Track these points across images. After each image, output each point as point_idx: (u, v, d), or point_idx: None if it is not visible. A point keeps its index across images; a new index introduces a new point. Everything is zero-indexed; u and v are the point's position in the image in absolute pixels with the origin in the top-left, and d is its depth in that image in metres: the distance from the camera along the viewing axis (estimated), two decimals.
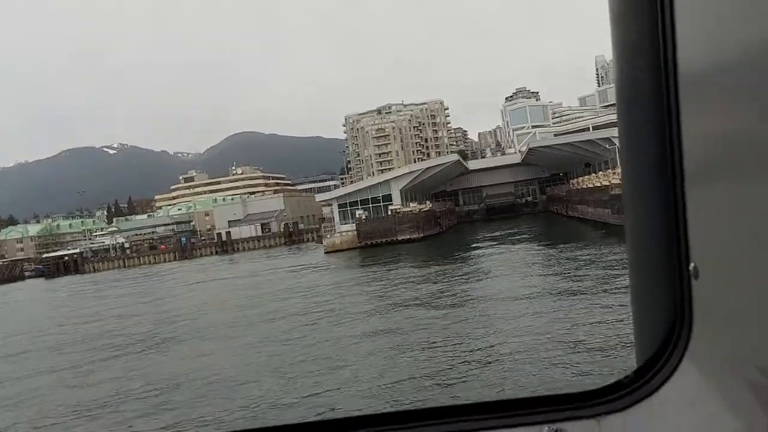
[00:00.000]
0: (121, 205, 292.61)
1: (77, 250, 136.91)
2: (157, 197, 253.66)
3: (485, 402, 1.58)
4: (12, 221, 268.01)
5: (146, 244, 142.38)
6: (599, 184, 54.55)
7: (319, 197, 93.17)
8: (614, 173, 51.60)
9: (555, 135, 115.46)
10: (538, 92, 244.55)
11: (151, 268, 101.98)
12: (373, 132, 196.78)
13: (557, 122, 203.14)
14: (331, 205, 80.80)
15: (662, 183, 1.34)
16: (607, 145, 62.99)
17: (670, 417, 1.43)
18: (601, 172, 59.63)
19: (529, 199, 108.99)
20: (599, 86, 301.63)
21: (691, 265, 1.30)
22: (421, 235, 69.51)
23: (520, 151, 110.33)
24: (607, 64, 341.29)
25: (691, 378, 1.40)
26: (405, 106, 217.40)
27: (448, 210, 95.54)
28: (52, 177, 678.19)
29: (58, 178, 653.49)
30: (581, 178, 70.50)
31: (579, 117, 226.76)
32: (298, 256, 76.54)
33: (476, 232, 72.99)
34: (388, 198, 76.58)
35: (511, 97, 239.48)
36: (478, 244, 55.66)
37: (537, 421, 1.48)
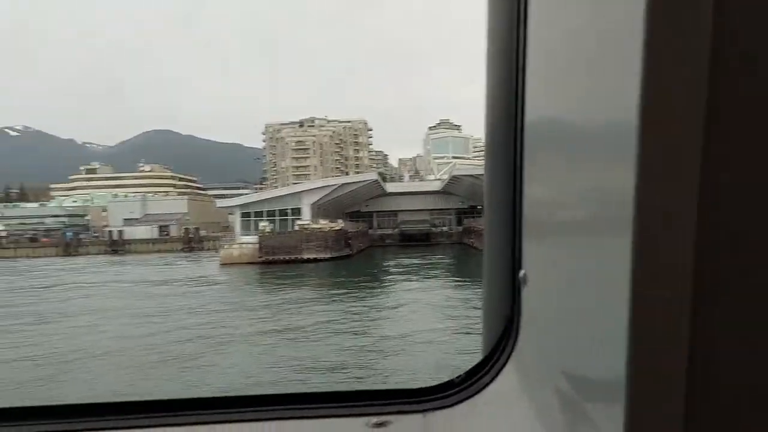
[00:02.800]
0: (10, 191, 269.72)
1: None
2: (52, 186, 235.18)
3: (316, 393, 1.68)
4: None
5: (27, 235, 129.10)
6: None
7: (221, 203, 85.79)
8: None
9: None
10: (460, 126, 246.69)
11: (18, 263, 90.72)
12: (293, 144, 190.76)
13: (477, 155, 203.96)
14: (234, 213, 73.95)
15: (507, 201, 1.50)
16: None
17: (490, 416, 1.54)
18: None
19: (445, 229, 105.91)
20: None
21: (521, 272, 1.43)
22: (329, 255, 64.02)
23: (440, 179, 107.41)
24: None
25: (512, 380, 1.51)
26: (329, 121, 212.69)
27: (361, 232, 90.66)
28: None
29: None
30: None
31: None
32: (182, 267, 69.11)
33: (388, 259, 68.28)
34: (297, 212, 70.64)
35: (434, 126, 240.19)
36: (390, 276, 50.68)
37: (365, 412, 1.57)
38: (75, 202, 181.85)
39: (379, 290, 41.90)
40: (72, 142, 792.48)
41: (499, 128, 1.54)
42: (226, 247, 69.13)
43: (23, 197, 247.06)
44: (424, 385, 1.61)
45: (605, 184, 0.95)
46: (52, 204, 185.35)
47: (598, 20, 0.98)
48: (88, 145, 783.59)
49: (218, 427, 1.57)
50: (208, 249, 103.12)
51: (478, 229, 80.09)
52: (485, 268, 1.69)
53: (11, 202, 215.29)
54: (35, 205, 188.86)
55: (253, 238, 67.11)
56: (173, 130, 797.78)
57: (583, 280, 1.07)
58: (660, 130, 0.78)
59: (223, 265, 64.12)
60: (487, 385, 1.56)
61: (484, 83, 1.59)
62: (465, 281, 42.51)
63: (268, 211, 70.65)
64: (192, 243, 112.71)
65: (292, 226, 68.85)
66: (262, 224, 68.19)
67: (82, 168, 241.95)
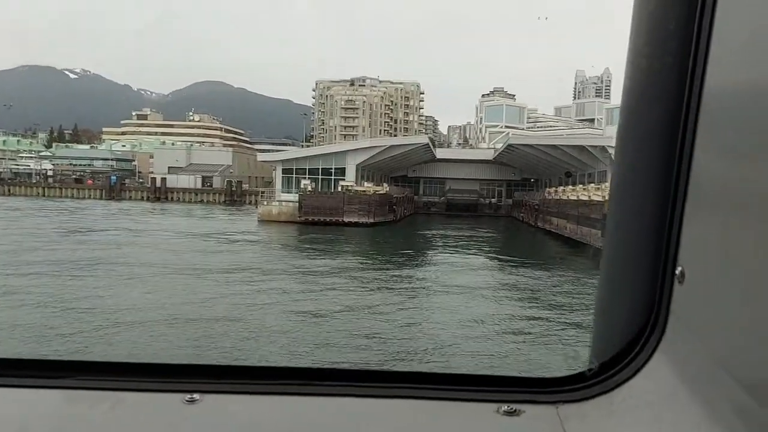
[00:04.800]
0: (65, 131, 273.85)
1: None
2: (104, 129, 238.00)
3: (448, 373, 1.63)
4: None
5: (73, 176, 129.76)
6: (587, 198, 46.38)
7: (263, 157, 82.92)
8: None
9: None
10: (515, 95, 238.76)
11: (65, 203, 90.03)
12: (343, 102, 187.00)
13: (531, 127, 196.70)
14: (276, 169, 70.91)
15: (660, 189, 1.35)
16: (600, 156, 55.10)
17: (629, 414, 1.44)
18: (592, 185, 51.29)
19: (494, 200, 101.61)
20: (576, 99, 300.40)
21: (678, 269, 1.31)
22: (371, 220, 60.60)
23: (494, 148, 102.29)
24: (587, 79, 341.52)
25: (655, 379, 1.41)
26: (380, 82, 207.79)
27: (406, 197, 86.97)
28: (6, 91, 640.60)
29: (12, 93, 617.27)
30: (560, 187, 62.54)
31: (553, 126, 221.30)
32: (220, 220, 66.70)
33: (434, 228, 64.55)
34: (341, 172, 67.18)
35: (488, 94, 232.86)
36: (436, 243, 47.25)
37: (496, 398, 1.51)
38: (124, 146, 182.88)
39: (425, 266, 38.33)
40: (128, 88, 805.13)
41: (656, 85, 1.36)
42: (265, 204, 66.33)
43: (76, 138, 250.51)
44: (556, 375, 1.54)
45: None
46: (102, 147, 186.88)
47: None
48: (142, 92, 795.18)
49: (347, 400, 1.52)
50: (249, 203, 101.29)
51: (532, 203, 75.47)
52: (606, 254, 1.55)
53: (63, 143, 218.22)
54: (86, 147, 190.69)
55: (293, 196, 64.07)
56: (225, 82, 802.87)
57: (755, 272, 0.97)
58: None
59: (261, 221, 61.43)
60: (626, 380, 1.45)
61: (627, 48, 1.42)
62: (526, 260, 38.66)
63: (311, 169, 67.45)
64: (234, 196, 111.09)
65: (336, 186, 65.54)
66: (304, 182, 65.07)
67: (134, 113, 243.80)
